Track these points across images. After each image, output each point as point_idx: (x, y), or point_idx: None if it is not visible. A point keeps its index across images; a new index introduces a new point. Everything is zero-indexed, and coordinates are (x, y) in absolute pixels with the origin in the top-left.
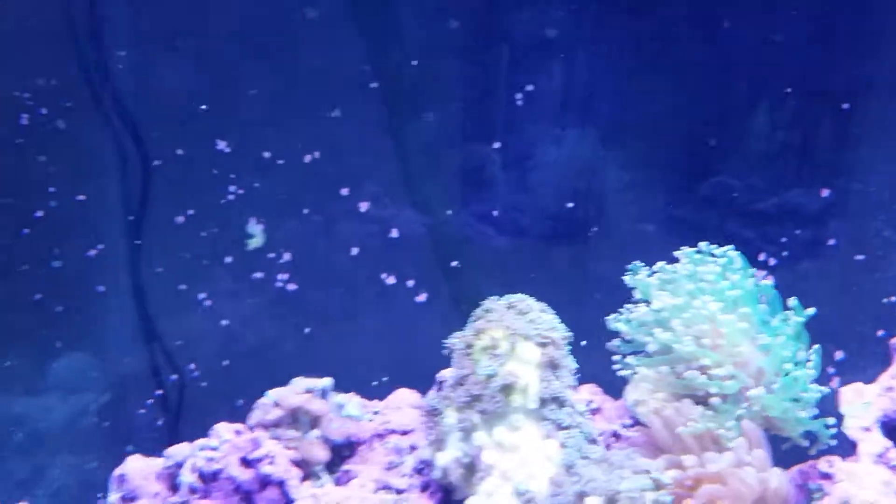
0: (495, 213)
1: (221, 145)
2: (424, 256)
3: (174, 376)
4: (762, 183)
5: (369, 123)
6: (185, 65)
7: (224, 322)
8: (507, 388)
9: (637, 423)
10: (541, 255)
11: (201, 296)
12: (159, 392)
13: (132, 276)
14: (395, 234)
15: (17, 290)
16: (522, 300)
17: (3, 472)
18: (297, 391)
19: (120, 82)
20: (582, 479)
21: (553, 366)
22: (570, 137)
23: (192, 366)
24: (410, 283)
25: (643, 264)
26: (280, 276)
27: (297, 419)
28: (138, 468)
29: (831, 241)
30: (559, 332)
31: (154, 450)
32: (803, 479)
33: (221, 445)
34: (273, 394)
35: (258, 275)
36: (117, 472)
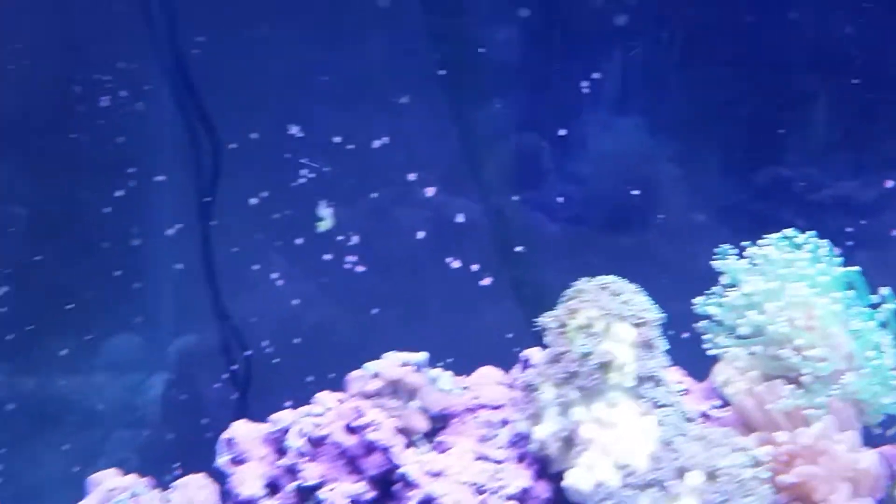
0: (556, 200)
1: (294, 130)
2: (488, 241)
3: (246, 353)
4: (820, 173)
5: (437, 110)
6: (259, 51)
7: (295, 301)
8: (604, 366)
9: (725, 403)
10: (598, 242)
11: (273, 276)
12: (233, 367)
13: (206, 255)
14: (460, 218)
15: (99, 266)
16: (615, 281)
17: (78, 443)
18: (396, 363)
19: (197, 67)
20: (681, 455)
21: (648, 346)
22: (626, 126)
23: (264, 343)
24: (475, 267)
25: (731, 248)
26: (348, 258)
27: (397, 390)
28: (246, 432)
29: (893, 232)
30: (653, 313)
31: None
32: (888, 462)
33: (326, 413)
34: (372, 365)
35: (327, 256)
36: (226, 435)
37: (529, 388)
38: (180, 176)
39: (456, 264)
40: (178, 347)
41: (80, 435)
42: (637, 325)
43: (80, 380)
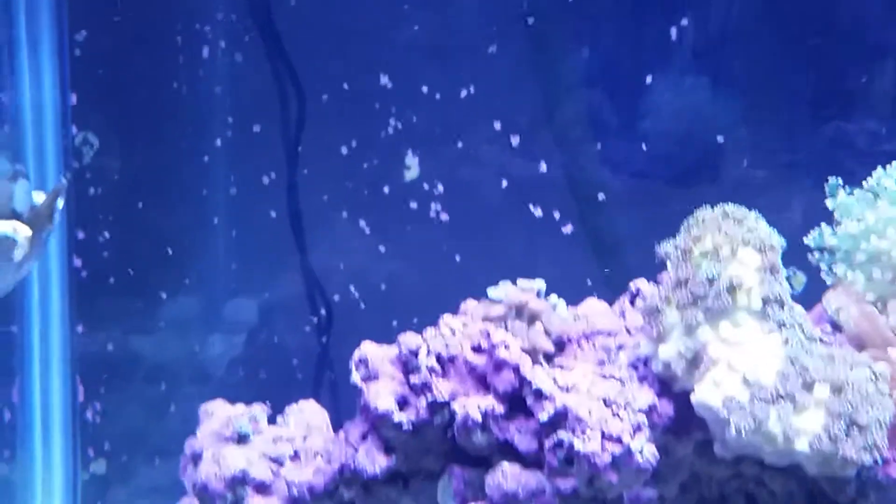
0: (631, 151)
1: (383, 80)
2: (570, 190)
3: (334, 297)
4: (883, 128)
5: (523, 60)
6: (352, 2)
7: (381, 248)
8: (730, 289)
9: (838, 329)
10: (672, 194)
11: (361, 223)
12: (322, 312)
13: (296, 203)
14: (542, 167)
15: (198, 213)
16: (738, 209)
17: (178, 381)
18: (520, 289)
19: (288, 18)
20: (807, 371)
21: (772, 270)
22: (699, 81)
23: (351, 289)
24: (557, 214)
25: (839, 184)
26: (434, 207)
27: (521, 314)
28: (375, 352)
29: None
30: (776, 238)
31: (315, 371)
32: None
33: (454, 334)
34: (496, 292)
35: (413, 205)
36: (357, 355)
37: (653, 312)
38: (274, 126)
39: (538, 212)
40: (268, 293)
41: (181, 372)
42: (761, 251)
43: (176, 323)
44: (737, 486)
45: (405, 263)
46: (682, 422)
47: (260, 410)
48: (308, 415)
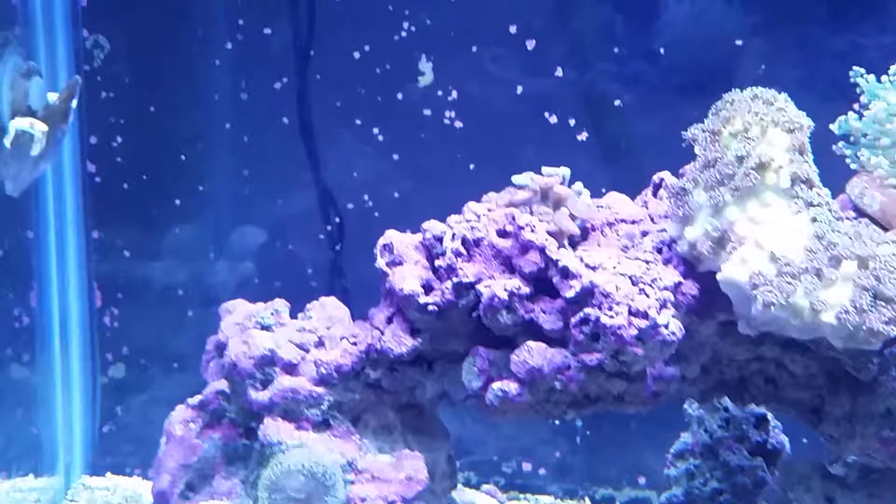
0: (646, 58)
1: None
2: (585, 96)
3: (348, 206)
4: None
5: None
6: None
7: (395, 156)
8: (760, 168)
9: (862, 215)
10: (680, 102)
11: (374, 130)
12: (335, 220)
13: (308, 110)
14: (559, 73)
15: (210, 119)
16: (767, 91)
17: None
18: (545, 175)
19: None
20: (834, 247)
21: (801, 150)
22: None
23: (364, 197)
24: (572, 122)
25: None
26: (447, 114)
27: (546, 199)
28: (400, 238)
29: None
30: (805, 119)
31: (328, 279)
32: None
33: (480, 218)
34: (520, 178)
35: (427, 112)
36: (382, 241)
37: (679, 194)
38: (285, 29)
39: (553, 119)
40: (281, 201)
41: (197, 279)
42: (791, 131)
43: (191, 229)
44: (757, 368)
45: (419, 172)
46: (705, 303)
47: (282, 305)
48: (330, 309)
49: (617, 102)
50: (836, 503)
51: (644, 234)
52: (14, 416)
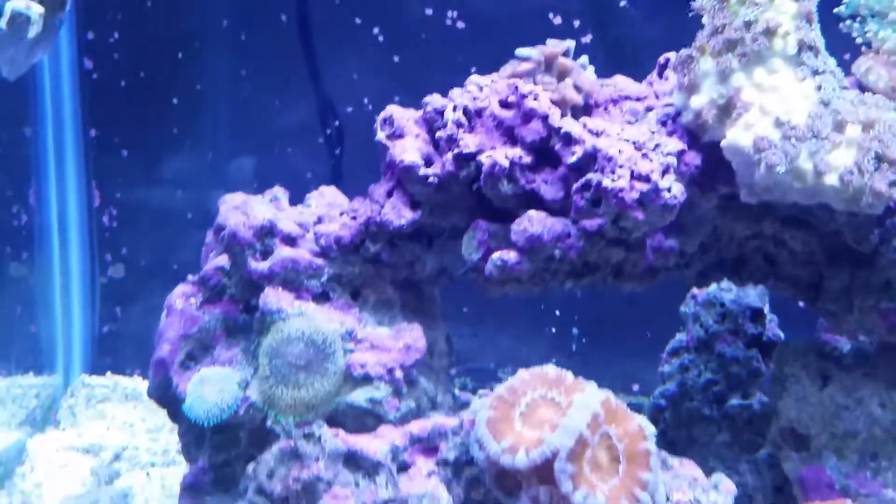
0: None
1: None
2: None
3: (347, 108)
4: None
5: None
6: None
7: (395, 58)
8: (767, 33)
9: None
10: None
11: (375, 30)
12: (335, 123)
13: (307, 7)
14: None
15: (207, 15)
16: None
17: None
18: (549, 46)
19: None
20: (839, 112)
21: (808, 18)
22: None
23: (365, 100)
24: (576, 23)
25: None
26: (450, 14)
27: (550, 69)
28: (401, 112)
29: None
30: None
31: (328, 182)
32: None
33: (482, 89)
34: (524, 50)
35: (428, 11)
36: (382, 115)
37: (685, 62)
38: None
39: (557, 21)
40: (279, 102)
41: (195, 179)
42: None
43: (189, 129)
44: (756, 245)
45: (420, 73)
46: (708, 174)
47: (281, 192)
48: (329, 197)
49: (623, 3)
50: (831, 381)
51: (648, 109)
52: (13, 314)
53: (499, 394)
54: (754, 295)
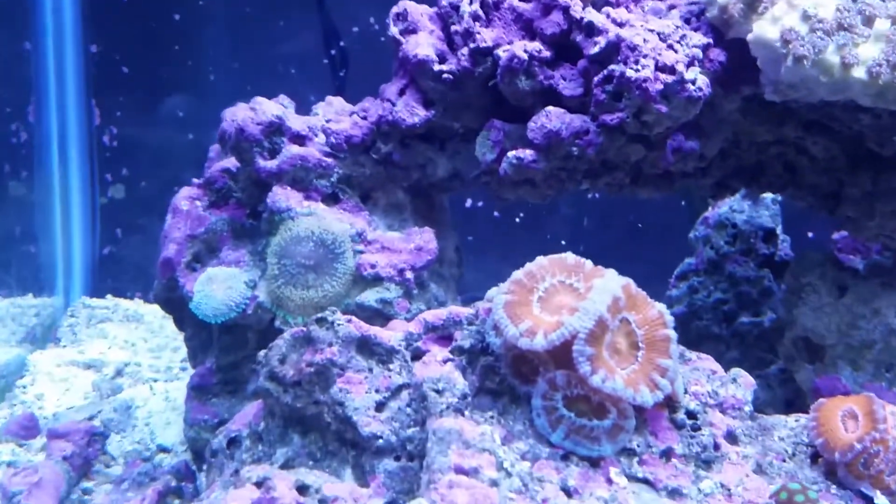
0: None
1: None
2: None
3: (353, 28)
4: None
5: None
6: None
7: None
8: None
9: None
10: None
11: None
12: (340, 44)
13: None
14: None
15: None
16: None
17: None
18: None
19: None
20: (868, 5)
21: None
22: None
23: (371, 19)
24: None
25: None
26: None
27: None
28: (415, 7)
29: None
30: None
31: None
32: None
33: None
34: None
35: None
36: (395, 10)
37: None
38: None
39: None
40: (283, 23)
41: (198, 97)
42: None
43: (191, 47)
44: (776, 152)
45: None
46: (732, 73)
47: (287, 100)
48: (336, 105)
49: None
50: (848, 291)
51: (671, 7)
52: (12, 234)
53: (517, 278)
54: (767, 215)
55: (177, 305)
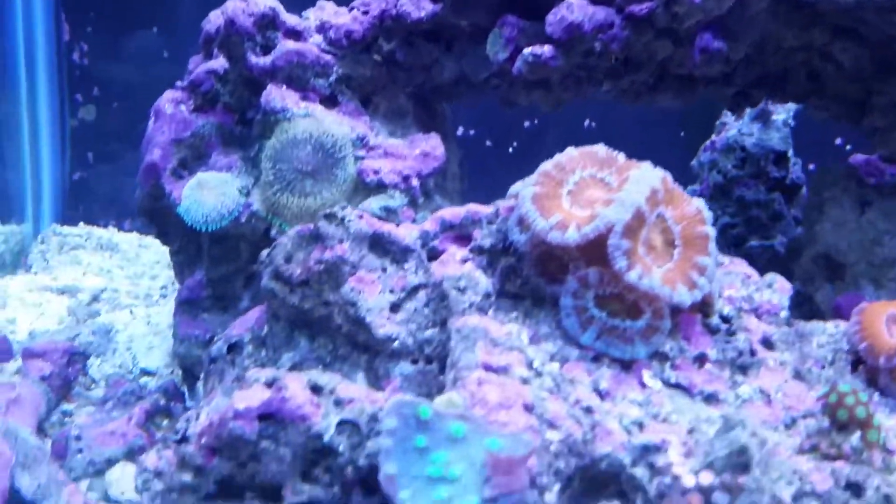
0: None
1: None
2: None
3: None
4: None
5: None
6: None
7: None
8: None
9: None
10: None
11: None
12: None
13: None
14: None
15: None
16: None
17: None
18: None
19: None
20: None
21: None
22: None
23: None
24: None
25: None
26: None
27: None
28: None
29: None
30: None
31: None
32: None
33: None
34: None
35: None
36: None
37: None
38: None
39: None
40: None
41: (174, 13)
42: None
43: None
44: (802, 59)
45: None
46: None
47: (276, 2)
48: (329, 9)
49: None
50: (871, 207)
51: None
52: None
53: (545, 170)
54: (777, 138)
55: (162, 216)
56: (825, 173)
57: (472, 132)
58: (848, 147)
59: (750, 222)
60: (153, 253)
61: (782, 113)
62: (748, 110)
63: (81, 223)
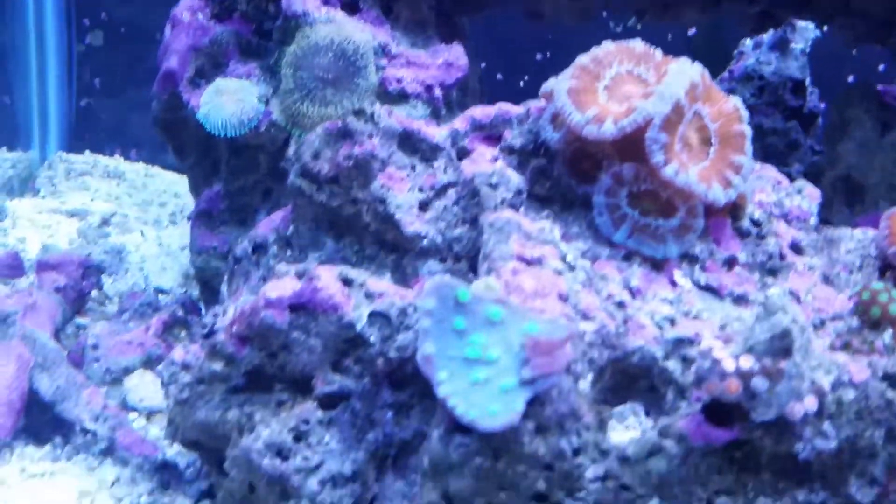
0: None
1: None
2: None
3: None
4: None
5: None
6: None
7: None
8: None
9: None
10: None
11: None
12: None
13: None
14: None
15: None
16: None
17: None
18: None
19: None
20: None
21: None
22: None
23: None
24: None
25: None
26: None
27: None
28: None
29: None
30: None
31: None
32: None
33: None
34: None
35: None
36: None
37: None
38: None
39: None
40: None
41: None
42: None
43: None
44: None
45: None
46: None
47: None
48: None
49: None
50: (892, 129)
51: None
52: None
53: (581, 63)
54: (795, 66)
55: (178, 128)
56: (848, 93)
57: (483, 65)
58: None
59: (767, 150)
60: (160, 181)
61: (800, 42)
62: (765, 40)
63: (87, 151)
